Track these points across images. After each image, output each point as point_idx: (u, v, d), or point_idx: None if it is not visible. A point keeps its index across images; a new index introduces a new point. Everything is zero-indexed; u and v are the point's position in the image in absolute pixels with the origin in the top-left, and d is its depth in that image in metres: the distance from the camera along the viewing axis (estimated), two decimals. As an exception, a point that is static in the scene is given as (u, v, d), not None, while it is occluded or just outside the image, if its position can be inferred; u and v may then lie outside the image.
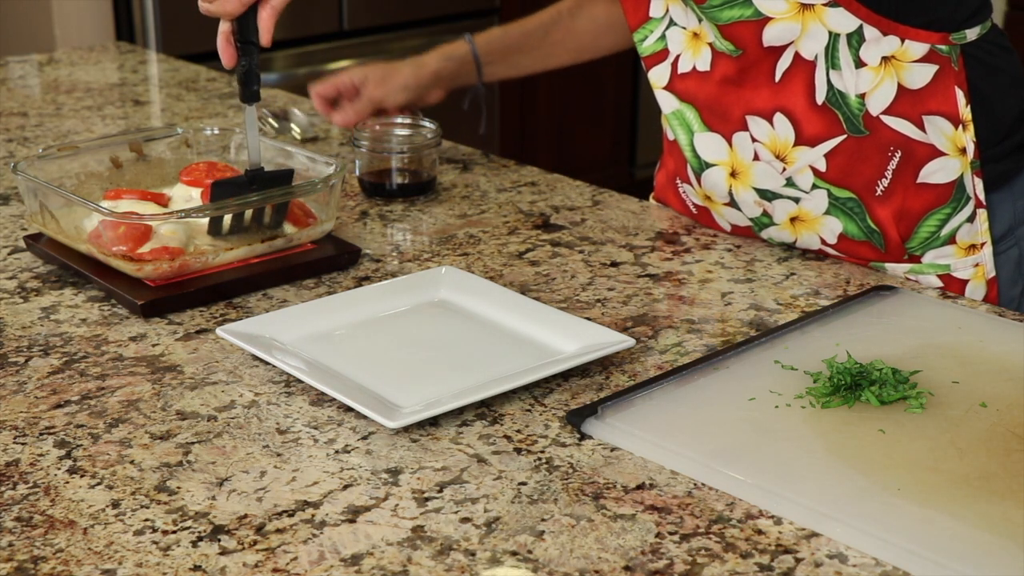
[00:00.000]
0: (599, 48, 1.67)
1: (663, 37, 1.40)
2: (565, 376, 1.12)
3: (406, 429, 1.03)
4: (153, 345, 1.19)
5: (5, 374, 1.13)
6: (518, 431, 1.04)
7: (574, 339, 1.15)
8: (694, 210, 1.49)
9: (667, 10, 1.39)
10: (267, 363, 1.14)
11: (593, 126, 4.20)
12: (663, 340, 1.20)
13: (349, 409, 1.07)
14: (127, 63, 2.35)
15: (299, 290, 1.32)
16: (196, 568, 0.86)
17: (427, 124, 1.61)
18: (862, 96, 1.29)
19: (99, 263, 1.30)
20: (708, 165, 1.40)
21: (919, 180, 1.31)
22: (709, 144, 1.39)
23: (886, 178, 1.31)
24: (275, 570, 0.86)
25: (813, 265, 1.38)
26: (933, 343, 1.17)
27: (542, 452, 1.00)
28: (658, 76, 1.42)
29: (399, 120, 1.62)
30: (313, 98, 1.69)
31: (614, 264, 1.39)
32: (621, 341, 1.14)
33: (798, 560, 0.87)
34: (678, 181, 1.49)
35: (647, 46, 1.42)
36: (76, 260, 1.32)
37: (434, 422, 1.04)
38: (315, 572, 0.85)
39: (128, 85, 2.19)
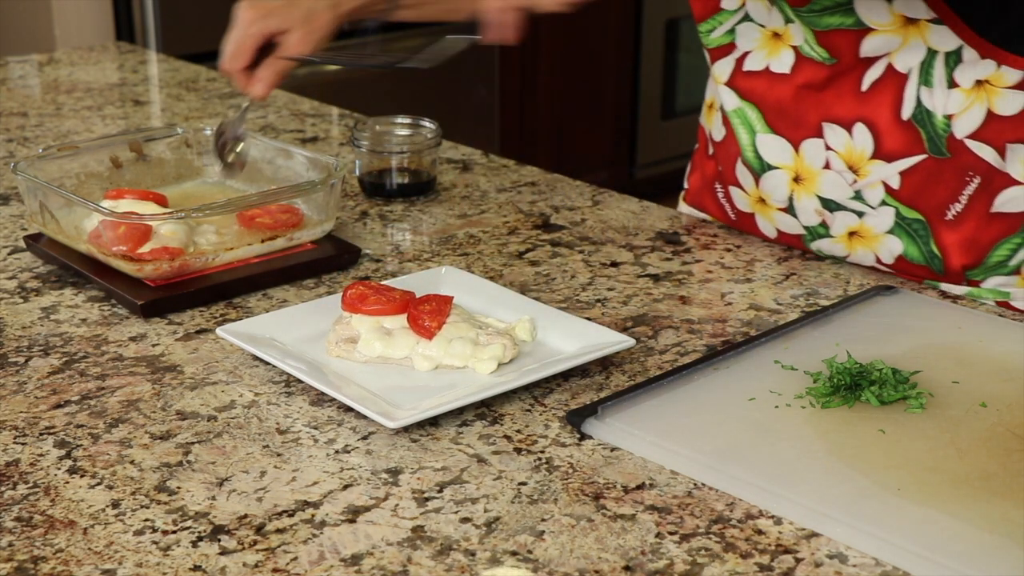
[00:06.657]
0: None
1: (732, 31, 1.36)
2: (565, 376, 1.12)
3: (406, 429, 1.03)
4: (153, 345, 1.19)
5: (5, 374, 1.13)
6: (518, 431, 1.04)
7: (574, 339, 1.15)
8: (733, 216, 1.45)
9: (742, 4, 1.34)
10: (267, 363, 1.14)
11: (593, 126, 4.20)
12: (663, 340, 1.20)
13: (349, 409, 1.07)
14: (127, 63, 2.35)
15: (299, 290, 1.32)
16: (196, 568, 0.86)
17: (427, 124, 1.61)
18: (949, 117, 1.25)
19: (99, 263, 1.30)
20: (770, 167, 1.36)
21: (992, 209, 1.28)
22: (772, 146, 1.35)
23: (959, 203, 1.28)
24: (275, 570, 0.86)
25: (813, 265, 1.38)
26: (933, 343, 1.17)
27: (542, 452, 1.00)
28: (721, 70, 1.38)
29: (399, 120, 1.62)
30: (234, 76, 1.43)
31: (614, 264, 1.39)
32: (621, 341, 1.14)
33: (798, 560, 0.87)
34: (717, 185, 1.45)
35: (713, 38, 1.37)
36: (76, 260, 1.32)
37: (434, 422, 1.04)
38: (315, 572, 0.85)
39: (128, 85, 2.19)
